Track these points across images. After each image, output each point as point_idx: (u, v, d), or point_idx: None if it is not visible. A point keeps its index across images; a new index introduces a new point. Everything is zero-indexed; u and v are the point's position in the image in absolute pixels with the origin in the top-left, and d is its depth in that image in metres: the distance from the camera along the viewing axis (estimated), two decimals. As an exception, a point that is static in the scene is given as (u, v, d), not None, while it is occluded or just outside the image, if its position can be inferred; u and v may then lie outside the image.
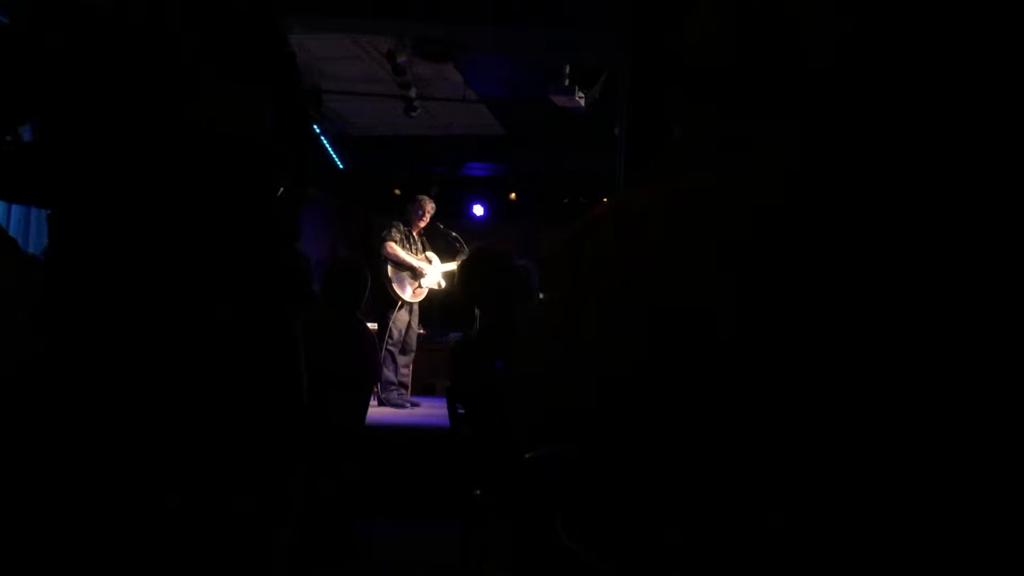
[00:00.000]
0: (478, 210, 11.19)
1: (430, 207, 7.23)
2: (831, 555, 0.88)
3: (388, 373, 6.83)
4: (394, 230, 7.01)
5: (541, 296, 3.73)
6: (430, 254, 7.23)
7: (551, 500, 1.04)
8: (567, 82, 6.64)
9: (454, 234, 7.56)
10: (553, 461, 1.03)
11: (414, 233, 7.16)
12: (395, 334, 6.88)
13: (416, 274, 7.01)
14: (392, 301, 6.88)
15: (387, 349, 6.81)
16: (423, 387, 8.11)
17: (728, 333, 0.92)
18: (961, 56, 1.00)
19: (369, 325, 7.03)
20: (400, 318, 6.92)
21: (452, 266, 7.07)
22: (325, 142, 9.03)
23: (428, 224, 7.30)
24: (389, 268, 6.88)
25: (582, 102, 6.73)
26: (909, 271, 0.90)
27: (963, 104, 0.99)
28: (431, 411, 6.67)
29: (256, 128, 1.81)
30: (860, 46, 1.01)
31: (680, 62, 1.10)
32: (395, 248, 6.92)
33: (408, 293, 6.97)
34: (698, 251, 0.97)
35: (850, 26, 1.02)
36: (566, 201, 10.56)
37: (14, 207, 5.58)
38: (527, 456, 1.05)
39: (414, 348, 7.11)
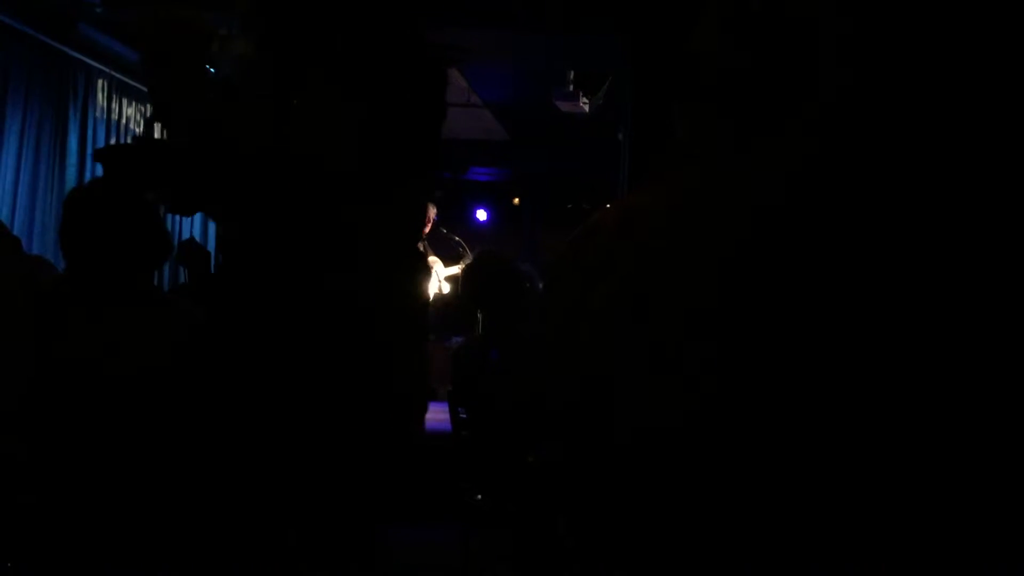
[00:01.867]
0: (481, 215, 11.20)
1: (433, 213, 7.23)
2: (828, 555, 0.88)
3: (389, 377, 6.81)
4: None
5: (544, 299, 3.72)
6: (432, 259, 7.22)
7: (554, 503, 1.05)
8: (571, 87, 6.65)
9: (457, 238, 7.56)
10: (556, 464, 1.03)
11: (416, 237, 7.16)
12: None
13: None
14: None
15: None
16: (425, 391, 8.10)
17: (729, 336, 0.92)
18: (964, 59, 1.00)
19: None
20: (400, 321, 6.91)
21: (455, 270, 7.06)
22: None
23: (431, 229, 7.30)
24: None
25: (586, 107, 6.74)
26: (909, 275, 0.91)
27: (966, 110, 0.99)
28: (433, 415, 6.65)
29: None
30: (860, 49, 1.01)
31: (684, 64, 1.10)
32: None
33: None
34: (701, 253, 0.97)
35: (850, 27, 1.02)
36: (569, 206, 10.57)
37: (18, 206, 5.59)
38: (530, 459, 1.05)
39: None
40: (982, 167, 0.95)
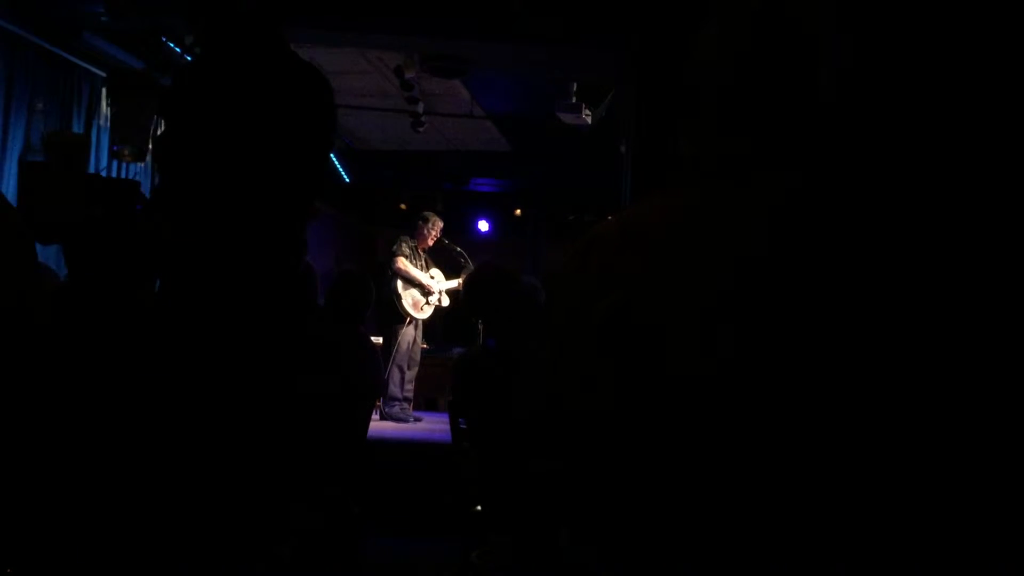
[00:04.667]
0: (483, 226, 11.21)
1: (440, 225, 7.23)
2: (832, 564, 0.88)
3: (394, 388, 6.81)
4: (404, 245, 6.98)
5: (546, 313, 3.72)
6: (434, 271, 7.22)
7: (556, 514, 1.04)
8: (574, 99, 6.66)
9: (459, 249, 7.56)
10: (558, 474, 1.03)
11: (420, 249, 7.15)
12: (402, 349, 6.85)
13: (425, 290, 7.00)
14: (400, 316, 6.84)
15: (396, 364, 6.79)
16: (425, 402, 8.10)
17: (729, 350, 0.92)
18: (961, 84, 1.01)
19: (373, 339, 7.02)
20: (407, 333, 6.89)
21: (456, 283, 7.07)
22: (332, 156, 9.06)
23: (435, 240, 7.29)
24: (399, 284, 6.85)
25: (588, 119, 6.75)
26: (908, 298, 0.91)
27: (963, 135, 0.99)
28: (433, 426, 6.65)
29: None
30: (860, 72, 1.02)
31: (687, 80, 1.10)
32: (405, 263, 6.90)
33: (417, 310, 6.96)
34: (702, 268, 0.97)
35: (849, 53, 1.02)
36: (571, 218, 10.57)
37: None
38: (533, 470, 1.05)
39: (418, 362, 7.09)
40: (973, 200, 0.95)
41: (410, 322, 6.91)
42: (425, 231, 7.11)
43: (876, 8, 1.03)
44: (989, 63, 0.99)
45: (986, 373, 0.88)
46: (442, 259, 7.44)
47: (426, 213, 7.31)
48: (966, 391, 0.88)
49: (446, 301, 7.18)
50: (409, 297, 6.89)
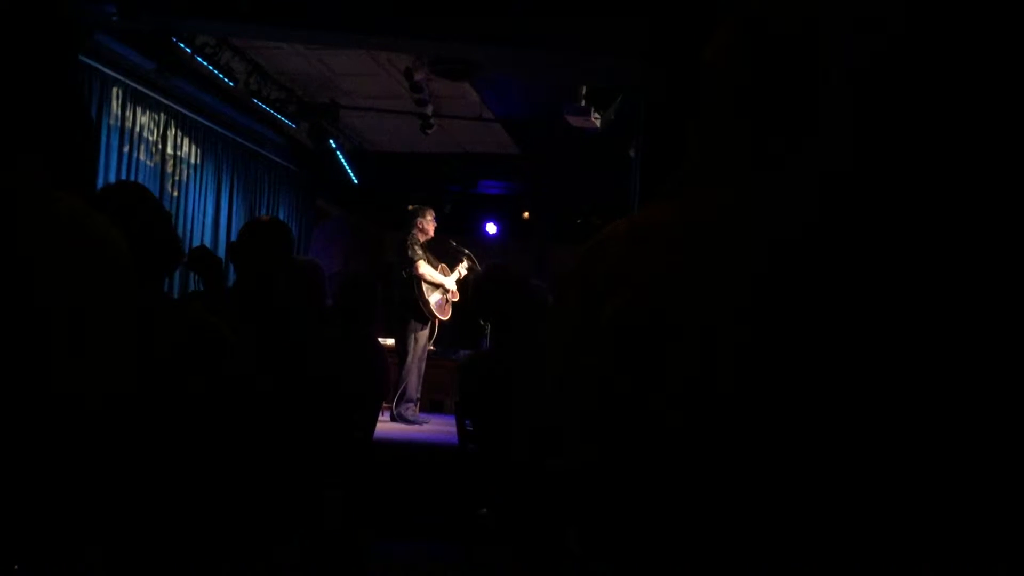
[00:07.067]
0: (491, 228, 11.21)
1: (433, 212, 7.21)
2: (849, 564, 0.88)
3: (410, 389, 6.82)
4: (417, 247, 6.96)
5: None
6: (441, 266, 7.22)
7: (563, 515, 1.04)
8: (583, 103, 6.67)
9: (467, 251, 7.56)
10: (566, 475, 1.03)
11: (425, 245, 7.14)
12: (418, 350, 6.86)
13: (445, 290, 7.02)
14: (422, 317, 6.85)
15: (416, 365, 6.80)
16: (431, 404, 8.10)
17: (749, 349, 0.92)
18: (987, 84, 1.00)
19: (389, 341, 7.02)
20: (423, 335, 6.90)
21: (458, 274, 7.09)
22: (341, 157, 9.09)
23: (439, 240, 7.29)
24: (424, 287, 6.85)
25: (597, 123, 6.75)
26: (927, 307, 0.90)
27: (989, 133, 0.99)
28: (440, 428, 6.65)
29: None
30: (880, 72, 1.01)
31: (700, 81, 1.10)
32: (427, 268, 6.90)
33: (443, 312, 6.97)
34: (710, 271, 0.97)
35: (867, 53, 1.02)
36: (579, 221, 10.57)
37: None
38: (542, 468, 1.05)
39: (424, 363, 7.09)
40: (998, 197, 0.95)
41: (430, 323, 6.92)
42: (423, 224, 7.07)
43: (897, 8, 1.03)
44: (1015, 66, 0.99)
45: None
46: (447, 260, 7.44)
47: (413, 208, 7.25)
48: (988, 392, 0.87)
49: (457, 295, 7.17)
50: (434, 299, 6.90)
